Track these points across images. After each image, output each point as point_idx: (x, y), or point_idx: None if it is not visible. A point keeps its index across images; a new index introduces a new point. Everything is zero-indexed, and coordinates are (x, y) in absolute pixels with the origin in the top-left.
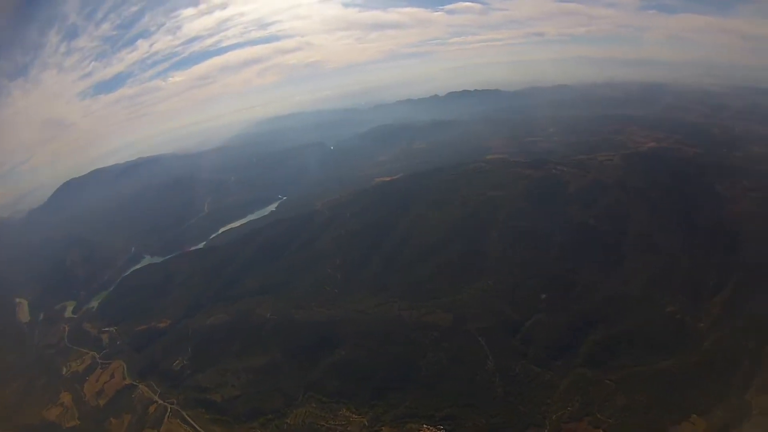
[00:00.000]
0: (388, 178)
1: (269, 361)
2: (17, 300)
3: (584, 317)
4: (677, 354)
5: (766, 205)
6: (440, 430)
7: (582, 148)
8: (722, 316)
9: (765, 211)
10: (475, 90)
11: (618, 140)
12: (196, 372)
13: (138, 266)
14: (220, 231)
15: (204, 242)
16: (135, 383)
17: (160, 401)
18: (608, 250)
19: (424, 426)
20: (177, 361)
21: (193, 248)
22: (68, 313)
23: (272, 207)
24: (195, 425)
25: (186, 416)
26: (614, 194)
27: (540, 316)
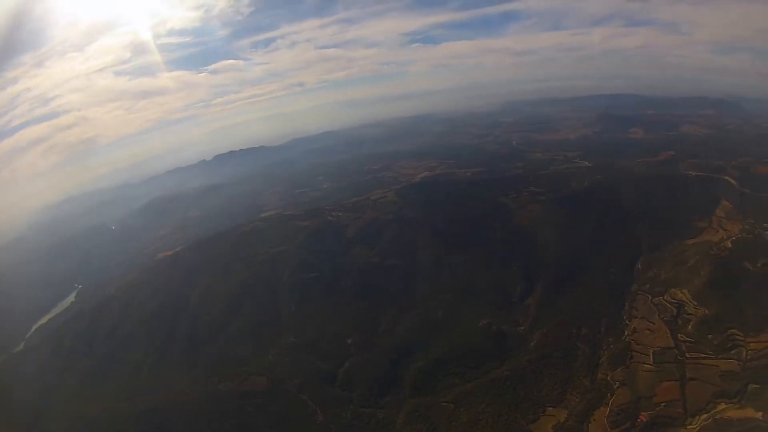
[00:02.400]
0: (170, 252)
1: None
2: None
3: (398, 350)
4: (507, 360)
5: (553, 206)
6: None
7: (354, 191)
8: (540, 316)
9: (553, 212)
10: (241, 149)
11: (389, 177)
12: None
13: None
14: (33, 329)
15: (22, 343)
16: None
17: None
18: (401, 282)
19: None
20: None
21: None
22: None
23: (71, 297)
24: None
25: None
26: (394, 229)
27: (353, 360)
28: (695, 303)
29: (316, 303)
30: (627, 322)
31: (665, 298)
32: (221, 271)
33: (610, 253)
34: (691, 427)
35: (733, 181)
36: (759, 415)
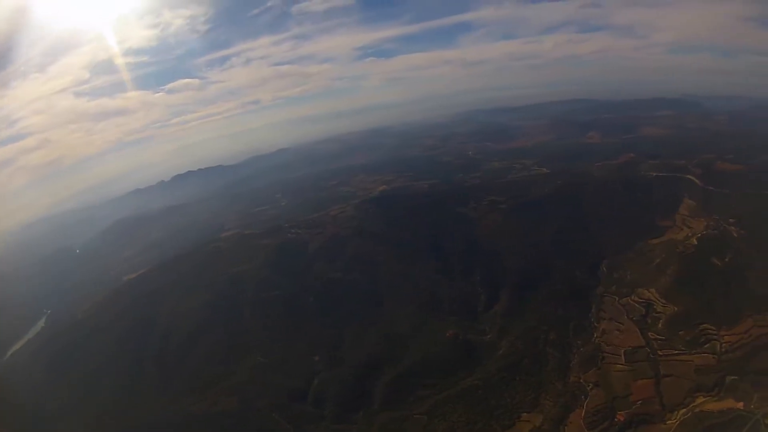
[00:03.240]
0: (135, 275)
1: None
2: None
3: (366, 365)
4: (476, 369)
5: (514, 214)
6: None
7: (312, 207)
8: (507, 323)
9: (513, 220)
10: (199, 169)
11: (346, 192)
12: None
13: None
14: (7, 356)
15: None
16: None
17: None
18: (365, 297)
19: None
20: None
21: None
22: None
23: (42, 323)
24: None
25: None
26: (355, 244)
27: (321, 377)
28: (664, 301)
29: (281, 321)
30: (595, 324)
31: (633, 298)
32: (186, 293)
33: (573, 258)
34: (670, 422)
35: (695, 179)
36: (740, 405)
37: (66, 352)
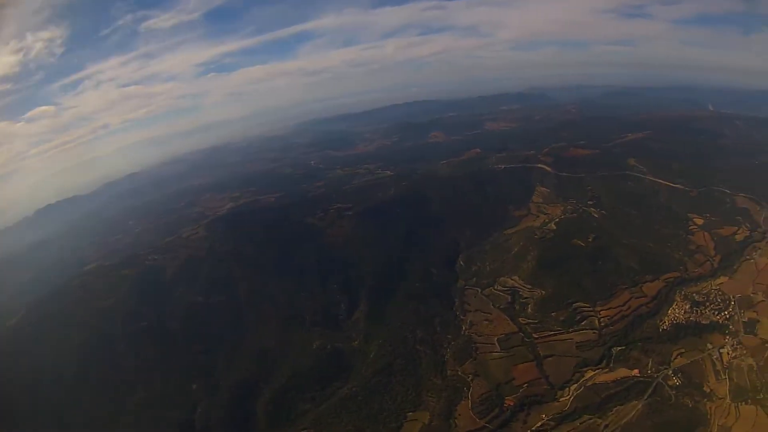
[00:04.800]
0: (13, 321)
1: None
2: None
3: (242, 386)
4: (351, 377)
5: (362, 219)
6: None
7: (165, 231)
8: (371, 328)
9: (362, 225)
10: (57, 201)
11: (196, 212)
12: None
13: None
14: None
15: None
16: None
17: None
18: (228, 318)
19: None
20: None
21: None
22: None
23: None
24: None
25: None
26: (210, 265)
27: (203, 405)
28: (529, 286)
29: (154, 352)
30: (462, 317)
31: (496, 288)
32: (55, 334)
33: (428, 256)
34: (563, 399)
35: (547, 167)
36: (635, 372)
37: None
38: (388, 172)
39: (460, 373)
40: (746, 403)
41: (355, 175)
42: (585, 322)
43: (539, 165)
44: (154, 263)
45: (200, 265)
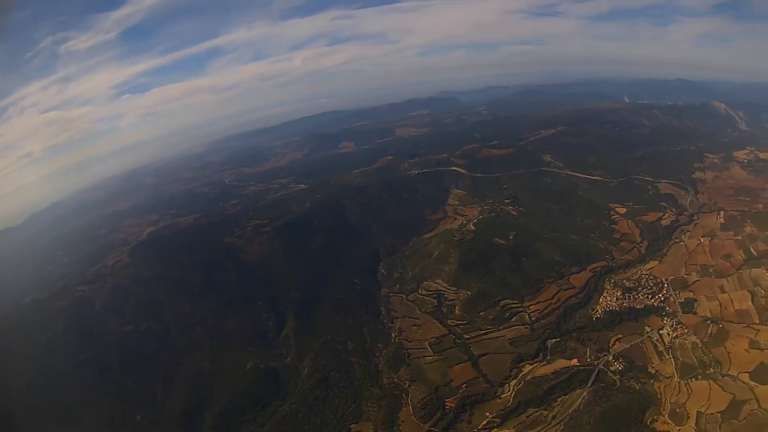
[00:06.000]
0: None
1: None
2: None
3: (184, 413)
4: (288, 394)
5: (280, 234)
6: None
7: (91, 260)
8: (302, 343)
9: (280, 240)
10: None
11: (118, 239)
12: None
13: None
14: None
15: None
16: None
17: None
18: (160, 344)
19: None
20: None
21: None
22: None
23: None
24: None
25: None
26: (136, 292)
27: None
28: (454, 288)
29: (96, 385)
30: (390, 325)
31: (420, 293)
32: (2, 375)
33: (348, 266)
34: (505, 395)
35: (461, 169)
36: (574, 362)
37: None
38: (302, 185)
39: (396, 380)
40: (696, 380)
41: (270, 190)
42: (515, 318)
43: (453, 168)
44: (84, 294)
45: (127, 293)
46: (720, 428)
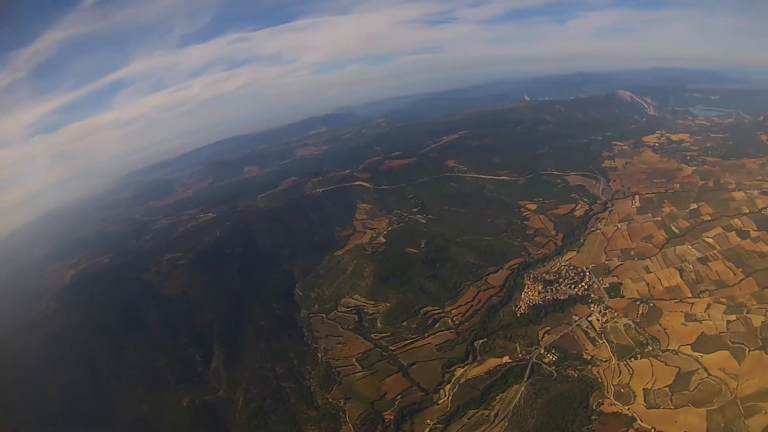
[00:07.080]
0: None
1: None
2: None
3: None
4: (228, 427)
5: (194, 266)
6: None
7: (21, 310)
8: (232, 374)
9: (196, 272)
10: None
11: (43, 285)
12: None
13: None
14: None
15: None
16: None
17: None
18: (90, 390)
19: None
20: None
21: None
22: None
23: None
24: None
25: None
26: (65, 339)
27: None
28: (372, 302)
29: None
30: (314, 345)
31: (339, 310)
32: None
33: (264, 291)
34: (442, 401)
35: (366, 183)
36: (505, 359)
37: None
38: (210, 214)
39: (330, 400)
40: (636, 359)
41: (180, 222)
42: (438, 324)
43: (357, 183)
44: (19, 345)
45: (57, 341)
46: (671, 401)
